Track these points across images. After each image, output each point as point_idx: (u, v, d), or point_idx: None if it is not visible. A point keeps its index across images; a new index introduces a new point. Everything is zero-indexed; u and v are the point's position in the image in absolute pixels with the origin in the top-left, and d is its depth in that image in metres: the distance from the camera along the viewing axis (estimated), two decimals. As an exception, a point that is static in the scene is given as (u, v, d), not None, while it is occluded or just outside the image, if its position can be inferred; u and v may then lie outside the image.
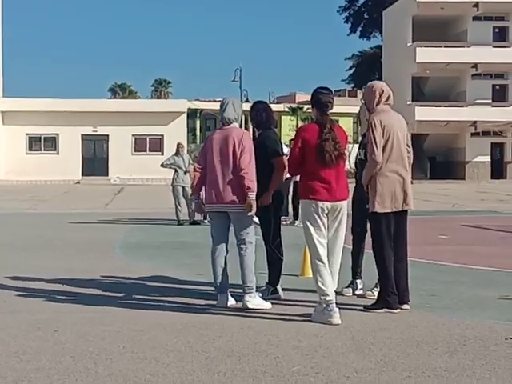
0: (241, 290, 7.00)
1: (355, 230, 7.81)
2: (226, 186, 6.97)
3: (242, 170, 6.91)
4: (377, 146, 6.68)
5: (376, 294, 7.35)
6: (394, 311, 6.79)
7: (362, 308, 6.93)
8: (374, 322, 6.44)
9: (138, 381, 4.73)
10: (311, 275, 7.59)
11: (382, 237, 6.84)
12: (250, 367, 5.04)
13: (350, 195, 7.24)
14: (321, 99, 6.67)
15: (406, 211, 6.95)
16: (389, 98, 6.89)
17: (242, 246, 7.04)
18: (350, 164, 7.88)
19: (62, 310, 6.91)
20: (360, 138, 7.92)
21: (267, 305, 6.97)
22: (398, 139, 6.81)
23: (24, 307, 7.07)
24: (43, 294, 7.72)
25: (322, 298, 6.46)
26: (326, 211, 6.58)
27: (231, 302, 7.08)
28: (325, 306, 6.42)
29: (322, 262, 6.53)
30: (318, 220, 6.55)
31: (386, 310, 6.79)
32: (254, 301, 6.92)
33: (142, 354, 5.36)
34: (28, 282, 8.42)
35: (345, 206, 6.69)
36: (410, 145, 7.03)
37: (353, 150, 7.87)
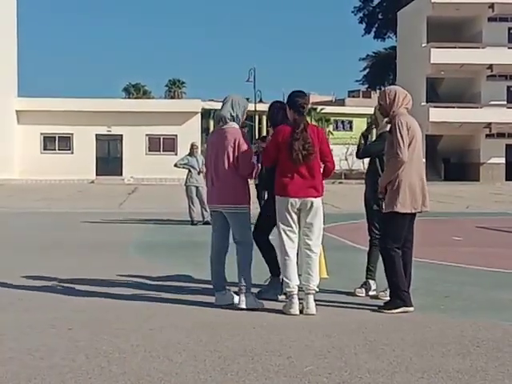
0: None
1: (370, 231, 7.81)
2: (221, 186, 7.01)
3: (246, 175, 6.99)
4: (404, 145, 6.72)
5: (389, 294, 7.34)
6: (410, 309, 6.78)
7: (375, 309, 6.91)
8: (387, 322, 6.44)
9: (150, 379, 4.75)
10: (324, 275, 7.62)
11: (394, 237, 6.84)
12: (262, 367, 5.04)
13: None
14: (297, 101, 7.00)
15: (415, 215, 6.97)
16: (408, 102, 7.00)
17: (238, 246, 7.05)
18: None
19: (77, 309, 6.94)
20: (373, 139, 7.92)
21: (260, 305, 6.96)
22: (418, 143, 6.90)
23: (38, 305, 7.11)
24: (57, 292, 7.76)
25: (286, 289, 6.79)
26: (297, 207, 6.84)
27: (235, 299, 7.06)
28: (288, 296, 6.76)
29: (287, 255, 6.84)
30: (287, 215, 6.87)
31: (403, 309, 6.78)
32: (248, 301, 6.92)
33: (155, 352, 5.38)
34: (42, 280, 8.46)
35: (317, 202, 6.88)
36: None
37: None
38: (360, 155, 7.80)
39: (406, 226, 6.90)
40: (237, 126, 7.11)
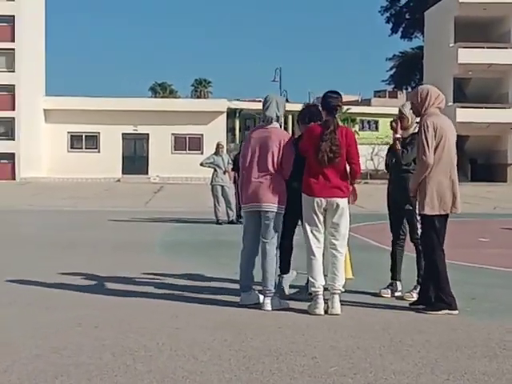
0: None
1: (392, 231, 7.78)
2: (261, 185, 6.97)
3: (286, 176, 6.98)
4: (429, 148, 6.67)
5: (415, 295, 7.31)
6: (454, 312, 6.74)
7: (419, 310, 6.84)
8: (413, 324, 6.41)
9: (176, 378, 4.77)
10: (350, 276, 7.61)
11: (432, 239, 6.81)
12: (287, 367, 5.04)
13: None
14: (330, 103, 7.01)
15: (447, 215, 6.91)
16: (441, 102, 6.91)
17: (266, 246, 7.01)
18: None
19: (103, 307, 6.98)
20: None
21: (286, 305, 6.96)
22: (449, 142, 6.82)
23: (65, 303, 7.16)
24: (84, 290, 7.81)
25: (311, 289, 6.79)
26: (323, 207, 6.83)
27: (261, 299, 7.06)
28: (313, 296, 6.76)
29: (313, 255, 6.85)
30: (314, 215, 6.87)
31: (447, 311, 6.74)
32: (273, 303, 6.91)
33: (181, 351, 5.40)
34: (69, 278, 8.52)
35: (343, 202, 6.87)
36: (455, 149, 7.01)
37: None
38: (404, 162, 7.51)
39: (441, 227, 6.82)
40: (278, 126, 7.14)
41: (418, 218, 7.24)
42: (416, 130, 7.38)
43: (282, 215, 7.01)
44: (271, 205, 6.94)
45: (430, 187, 6.75)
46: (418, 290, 7.33)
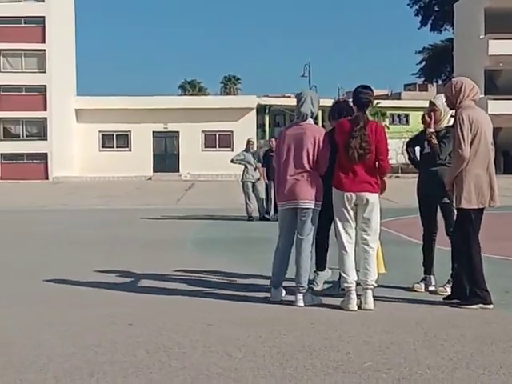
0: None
1: (423, 225, 7.73)
2: (298, 182, 6.95)
3: (322, 172, 6.98)
4: (464, 142, 6.60)
5: (449, 290, 7.26)
6: (489, 307, 6.69)
7: (453, 304, 6.79)
8: (447, 318, 6.37)
9: (210, 375, 4.78)
10: (382, 271, 7.58)
11: (468, 233, 6.74)
12: (321, 362, 5.04)
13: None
14: (361, 98, 6.93)
15: (482, 210, 6.84)
16: (476, 94, 6.83)
17: (301, 244, 7.00)
18: (405, 158, 7.82)
19: (136, 304, 7.03)
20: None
21: (318, 301, 6.96)
22: (485, 135, 6.74)
23: (98, 301, 7.22)
24: (117, 288, 7.87)
25: (344, 284, 6.79)
26: (353, 202, 6.81)
27: (283, 294, 7.10)
28: (346, 292, 6.76)
29: (345, 250, 6.84)
30: (344, 210, 6.85)
31: (481, 305, 6.68)
32: (306, 299, 6.91)
33: (214, 348, 5.42)
34: (102, 276, 8.59)
35: (373, 197, 6.83)
36: (492, 141, 6.93)
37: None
38: (442, 157, 7.44)
39: (477, 221, 6.76)
40: (312, 122, 7.10)
41: (454, 211, 7.19)
42: (451, 123, 7.32)
43: (318, 211, 7.00)
44: (308, 201, 6.93)
45: (467, 181, 6.67)
46: (452, 284, 7.28)
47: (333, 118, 7.48)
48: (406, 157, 7.69)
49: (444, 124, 7.54)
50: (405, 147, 7.59)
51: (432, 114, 7.52)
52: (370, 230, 6.86)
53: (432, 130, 7.46)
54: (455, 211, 7.07)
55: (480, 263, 6.77)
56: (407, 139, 7.69)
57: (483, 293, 6.70)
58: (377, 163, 6.86)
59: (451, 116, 7.18)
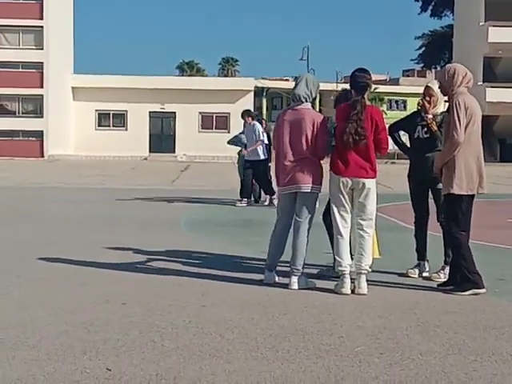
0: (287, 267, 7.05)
1: (415, 211, 7.72)
2: (298, 167, 6.93)
3: (322, 156, 6.97)
4: (460, 126, 6.61)
5: (442, 276, 7.28)
6: (482, 291, 6.71)
7: (446, 290, 6.80)
8: (440, 304, 6.38)
9: (202, 355, 4.79)
10: (377, 256, 7.58)
11: (457, 218, 6.76)
12: (313, 345, 5.05)
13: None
14: (358, 82, 6.85)
15: (473, 196, 6.86)
16: (469, 81, 6.83)
17: (299, 227, 6.99)
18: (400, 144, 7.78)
19: (130, 284, 7.03)
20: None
21: (312, 285, 6.96)
22: (477, 122, 6.77)
23: (93, 280, 7.22)
24: (111, 267, 7.86)
25: (338, 268, 6.79)
26: (349, 186, 6.79)
27: (276, 278, 7.13)
28: (340, 276, 6.76)
29: (340, 234, 6.84)
30: (340, 195, 6.84)
31: (474, 291, 6.70)
32: (300, 282, 6.92)
33: (207, 329, 5.42)
34: (96, 255, 8.59)
35: (369, 182, 6.81)
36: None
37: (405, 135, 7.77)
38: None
39: (466, 207, 6.79)
40: (310, 107, 7.05)
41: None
42: (445, 109, 7.32)
43: (317, 195, 6.99)
44: (308, 185, 6.92)
45: (459, 166, 6.69)
46: (446, 270, 7.29)
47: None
48: (392, 141, 7.62)
49: (440, 110, 7.51)
50: (388, 132, 7.49)
51: (429, 99, 7.50)
52: (365, 215, 6.85)
53: (430, 116, 7.45)
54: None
55: (468, 248, 6.80)
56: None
57: (474, 276, 6.73)
58: (375, 148, 6.86)
59: (445, 101, 7.16)
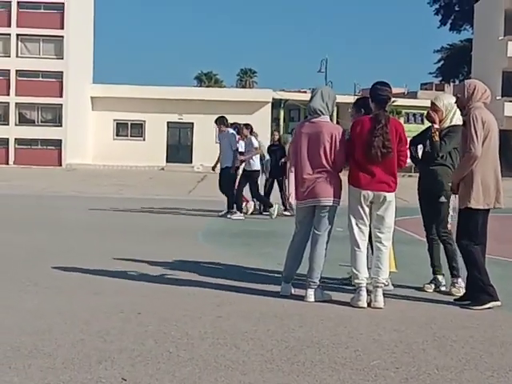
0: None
1: (425, 225, 7.69)
2: (317, 181, 6.91)
3: (340, 169, 6.97)
4: (478, 140, 6.60)
5: (462, 290, 7.24)
6: (497, 303, 6.69)
7: (463, 306, 6.76)
8: (457, 319, 6.35)
9: (218, 366, 4.78)
10: (393, 269, 7.56)
11: (472, 232, 6.75)
12: (329, 358, 5.03)
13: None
14: (379, 95, 6.83)
15: (489, 211, 6.84)
16: (488, 97, 6.86)
17: (318, 240, 6.97)
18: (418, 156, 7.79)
19: (146, 294, 7.03)
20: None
21: (328, 297, 6.94)
22: (495, 137, 6.77)
23: (108, 289, 7.23)
24: (127, 277, 7.87)
25: (355, 281, 6.75)
26: (369, 200, 6.76)
27: (292, 290, 7.11)
28: (356, 288, 6.73)
29: (358, 247, 6.80)
30: (359, 207, 6.80)
31: (492, 304, 6.67)
32: (317, 294, 6.90)
33: (223, 340, 5.42)
34: (112, 265, 8.60)
35: (390, 196, 6.81)
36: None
37: (420, 149, 7.77)
38: (441, 154, 7.44)
39: (481, 222, 6.79)
40: (328, 119, 7.03)
41: (451, 211, 7.24)
42: (453, 123, 7.34)
43: (336, 208, 6.97)
44: (329, 199, 6.90)
45: (476, 180, 6.68)
46: (460, 281, 7.29)
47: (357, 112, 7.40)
48: (408, 155, 7.66)
49: (447, 124, 7.49)
50: (408, 145, 7.55)
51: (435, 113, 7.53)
52: (383, 228, 6.83)
53: (437, 126, 7.47)
54: (451, 212, 7.18)
55: (481, 261, 6.79)
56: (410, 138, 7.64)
57: (489, 289, 6.71)
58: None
59: (462, 116, 7.15)
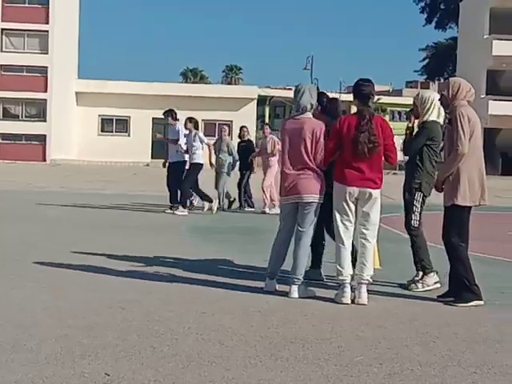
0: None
1: (407, 223, 7.72)
2: (299, 177, 6.92)
3: (322, 165, 6.95)
4: (465, 137, 6.64)
5: (420, 286, 7.30)
6: (481, 302, 6.73)
7: (448, 303, 6.79)
8: (440, 316, 6.38)
9: (201, 362, 4.78)
10: (377, 266, 7.58)
11: (459, 230, 6.78)
12: (312, 354, 5.04)
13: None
14: (362, 91, 6.86)
15: (471, 208, 6.88)
16: (472, 95, 6.92)
17: (301, 237, 6.99)
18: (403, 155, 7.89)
19: (130, 289, 7.02)
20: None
21: (312, 293, 6.96)
22: (479, 135, 6.82)
23: (92, 285, 7.21)
24: (111, 272, 7.85)
25: (339, 277, 6.75)
26: (355, 196, 6.78)
27: (276, 286, 7.12)
28: (340, 285, 6.74)
29: (342, 243, 6.80)
30: (345, 204, 6.80)
31: (476, 302, 6.72)
32: (301, 291, 6.91)
33: (207, 336, 5.42)
34: (97, 260, 8.58)
35: (376, 193, 6.82)
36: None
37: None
38: (408, 153, 7.60)
39: (467, 219, 6.82)
40: (311, 116, 7.03)
41: (415, 208, 7.38)
42: (428, 119, 7.40)
43: (318, 205, 6.98)
44: (312, 195, 6.91)
45: (463, 178, 6.71)
46: (425, 278, 7.36)
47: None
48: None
49: (425, 118, 7.51)
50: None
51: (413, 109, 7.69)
52: (369, 225, 6.85)
53: (410, 124, 7.59)
54: (416, 209, 7.36)
55: (467, 260, 6.82)
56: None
57: (474, 288, 6.75)
58: (383, 157, 6.88)
59: (446, 113, 7.21)
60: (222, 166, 16.95)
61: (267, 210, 15.84)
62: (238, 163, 17.10)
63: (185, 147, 15.48)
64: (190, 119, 15.93)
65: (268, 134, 16.78)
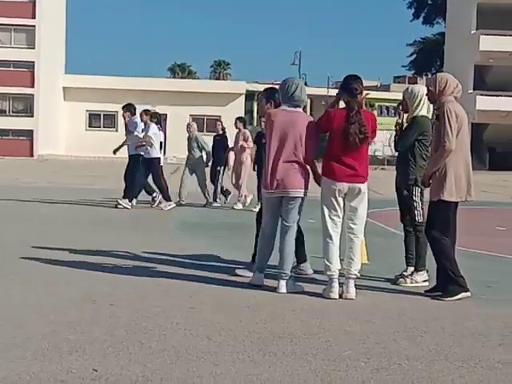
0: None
1: (403, 218, 7.74)
2: (287, 171, 6.91)
3: (308, 163, 6.95)
4: (452, 133, 6.66)
5: (409, 281, 7.32)
6: (468, 294, 6.77)
7: (435, 297, 6.81)
8: (428, 310, 6.40)
9: (190, 357, 4.78)
10: (365, 261, 7.59)
11: (442, 226, 6.80)
12: (301, 349, 5.04)
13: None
14: (350, 84, 6.94)
15: (458, 203, 6.91)
16: (459, 91, 6.94)
17: (287, 231, 6.99)
18: (392, 150, 7.93)
19: (118, 285, 7.01)
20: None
21: (300, 288, 6.97)
22: (466, 130, 6.84)
23: (80, 280, 7.19)
24: (100, 268, 7.84)
25: (327, 272, 6.77)
26: (344, 192, 6.80)
27: (263, 279, 7.13)
28: (328, 280, 6.75)
29: (330, 238, 6.81)
30: (333, 199, 6.82)
31: (462, 294, 6.75)
32: (289, 286, 6.92)
33: (195, 331, 5.41)
34: (85, 255, 8.56)
35: (364, 187, 6.86)
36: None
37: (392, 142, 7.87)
38: (399, 148, 7.63)
39: (453, 214, 6.86)
40: (301, 110, 7.08)
41: (416, 204, 7.38)
42: (417, 114, 7.40)
43: (304, 199, 6.98)
44: (298, 190, 6.91)
45: (450, 173, 6.73)
46: (415, 274, 7.37)
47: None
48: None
49: (414, 114, 7.53)
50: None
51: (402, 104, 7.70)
52: (356, 220, 6.86)
53: (399, 120, 7.62)
54: (417, 204, 7.34)
55: (451, 253, 6.87)
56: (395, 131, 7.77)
57: (460, 280, 6.79)
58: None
59: (434, 109, 7.23)
60: (196, 164, 16.80)
61: (236, 207, 15.81)
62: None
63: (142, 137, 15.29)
64: (145, 111, 15.81)
65: (242, 128, 16.66)
